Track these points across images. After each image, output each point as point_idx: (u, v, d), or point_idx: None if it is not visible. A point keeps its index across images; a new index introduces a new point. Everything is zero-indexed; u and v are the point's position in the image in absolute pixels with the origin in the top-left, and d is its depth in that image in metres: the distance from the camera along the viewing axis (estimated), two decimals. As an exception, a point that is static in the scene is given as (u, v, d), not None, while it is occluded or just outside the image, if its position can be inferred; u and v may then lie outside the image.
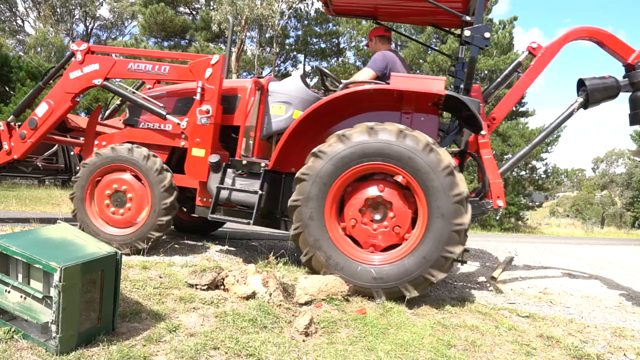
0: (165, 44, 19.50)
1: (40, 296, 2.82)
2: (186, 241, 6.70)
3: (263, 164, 5.27)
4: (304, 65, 21.58)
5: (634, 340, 4.24)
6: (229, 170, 5.44)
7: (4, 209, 10.75)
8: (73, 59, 6.06)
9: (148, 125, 5.93)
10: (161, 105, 5.74)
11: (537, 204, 35.51)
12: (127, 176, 5.46)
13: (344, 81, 5.45)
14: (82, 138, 7.01)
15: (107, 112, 8.54)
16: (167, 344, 3.05)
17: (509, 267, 7.94)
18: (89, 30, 42.73)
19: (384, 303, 4.34)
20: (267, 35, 17.85)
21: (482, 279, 6.62)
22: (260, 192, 5.15)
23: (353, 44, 21.67)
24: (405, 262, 4.40)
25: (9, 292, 2.95)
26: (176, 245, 6.27)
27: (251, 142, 5.56)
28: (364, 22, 19.99)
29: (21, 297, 2.91)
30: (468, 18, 5.08)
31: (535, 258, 9.43)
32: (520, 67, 6.20)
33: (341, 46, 21.96)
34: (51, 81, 6.68)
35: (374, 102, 4.97)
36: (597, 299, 6.03)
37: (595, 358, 3.71)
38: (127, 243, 5.38)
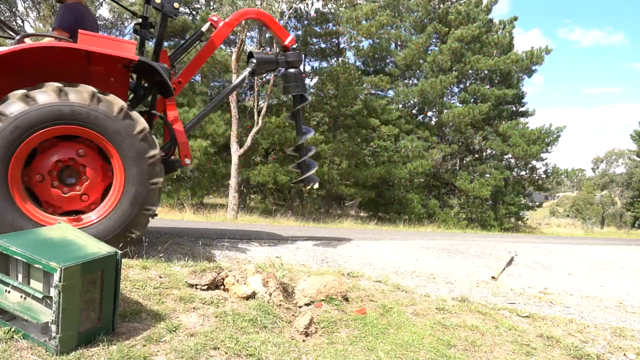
0: (166, 44, 19.50)
1: (40, 296, 2.82)
2: (186, 241, 6.70)
3: None
4: (304, 65, 21.58)
5: (634, 340, 4.24)
6: None
7: (4, 209, 10.72)
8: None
9: None
10: None
11: (537, 204, 35.50)
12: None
13: (22, 34, 4.80)
14: None
15: None
16: (167, 344, 3.05)
17: (509, 267, 7.94)
18: (89, 30, 42.74)
19: (384, 303, 4.34)
20: (267, 35, 17.83)
21: (482, 279, 6.62)
22: None
23: (353, 44, 21.66)
24: (105, 223, 4.51)
25: (9, 292, 2.95)
26: (176, 245, 6.27)
27: None
28: (364, 22, 19.98)
29: (21, 297, 2.91)
30: None
31: (535, 258, 9.42)
32: (202, 36, 6.43)
33: (341, 46, 21.96)
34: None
35: (59, 61, 4.58)
36: (597, 299, 6.03)
37: (595, 358, 3.71)
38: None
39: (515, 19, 26.12)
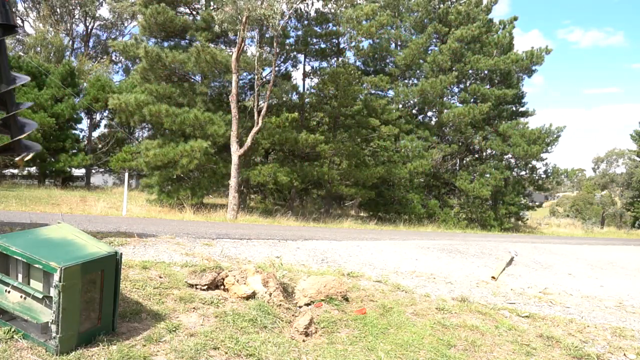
0: (166, 44, 19.49)
1: (40, 296, 2.81)
2: (186, 241, 6.70)
3: None
4: (304, 65, 21.58)
5: (634, 340, 4.24)
6: None
7: (4, 209, 10.74)
8: None
9: None
10: None
11: (537, 204, 35.48)
12: None
13: None
14: None
15: None
16: (167, 344, 3.05)
17: (509, 267, 7.93)
18: (89, 30, 42.73)
19: (384, 303, 4.34)
20: (267, 35, 17.84)
21: (482, 279, 6.62)
22: None
23: (353, 44, 21.64)
24: None
25: (9, 292, 2.94)
26: (176, 245, 6.27)
27: None
28: (364, 22, 19.96)
29: (21, 297, 2.91)
30: None
31: (535, 258, 9.42)
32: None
33: (341, 46, 21.93)
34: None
35: None
36: (597, 299, 6.03)
37: (595, 358, 3.71)
38: None
39: (515, 18, 26.12)
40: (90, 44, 42.89)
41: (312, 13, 20.89)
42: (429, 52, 25.28)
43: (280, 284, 4.19)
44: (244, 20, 14.43)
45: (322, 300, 4.16)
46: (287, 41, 20.36)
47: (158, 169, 17.57)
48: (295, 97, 21.33)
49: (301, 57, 21.55)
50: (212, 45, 17.81)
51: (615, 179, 50.23)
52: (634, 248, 15.01)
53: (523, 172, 26.51)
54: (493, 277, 6.65)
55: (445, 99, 25.27)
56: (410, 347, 3.46)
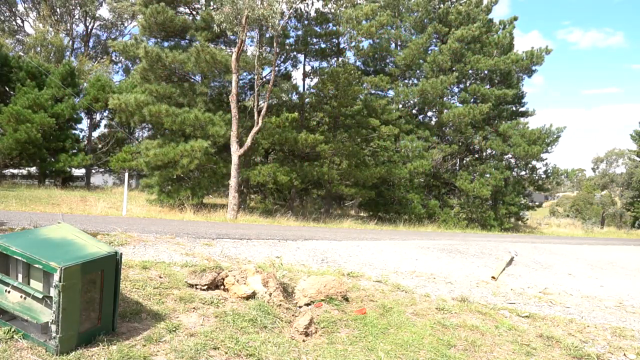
0: (166, 44, 19.48)
1: (40, 296, 2.81)
2: (186, 241, 6.70)
3: None
4: (304, 65, 21.57)
5: (634, 340, 4.24)
6: None
7: (4, 209, 10.74)
8: None
9: None
10: None
11: (537, 204, 35.47)
12: None
13: None
14: None
15: None
16: (167, 344, 3.05)
17: (509, 267, 7.93)
18: (89, 30, 42.72)
19: (384, 303, 4.34)
20: (267, 35, 17.83)
21: (482, 279, 6.62)
22: None
23: (353, 44, 21.63)
24: None
25: (9, 292, 2.94)
26: (176, 245, 6.27)
27: None
28: (364, 22, 19.94)
29: (21, 297, 2.91)
30: None
31: (535, 258, 9.42)
32: None
33: (341, 46, 21.92)
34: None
35: None
36: (597, 299, 6.03)
37: (595, 358, 3.71)
38: None
39: (515, 19, 26.12)
40: (90, 44, 42.90)
41: (312, 13, 20.89)
42: (429, 52, 25.28)
43: (280, 284, 4.19)
44: (243, 20, 14.42)
45: (322, 300, 4.16)
46: (287, 41, 20.36)
47: (158, 169, 17.56)
48: (295, 97, 21.33)
49: (301, 57, 21.55)
50: (212, 45, 17.80)
51: (615, 179, 50.22)
52: (634, 248, 15.01)
53: (523, 172, 26.52)
54: (493, 277, 6.65)
55: (445, 99, 25.27)
56: (410, 347, 3.46)
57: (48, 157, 25.55)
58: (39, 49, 35.00)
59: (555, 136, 24.73)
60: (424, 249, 8.93)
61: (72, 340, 2.79)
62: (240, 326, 3.43)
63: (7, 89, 26.43)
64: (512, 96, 24.86)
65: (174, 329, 3.25)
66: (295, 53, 21.21)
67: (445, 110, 24.86)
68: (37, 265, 2.77)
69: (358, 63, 24.79)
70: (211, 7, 17.88)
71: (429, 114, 27.38)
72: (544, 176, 26.63)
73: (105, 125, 33.20)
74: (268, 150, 22.56)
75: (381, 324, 3.83)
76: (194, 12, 19.85)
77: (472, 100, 25.04)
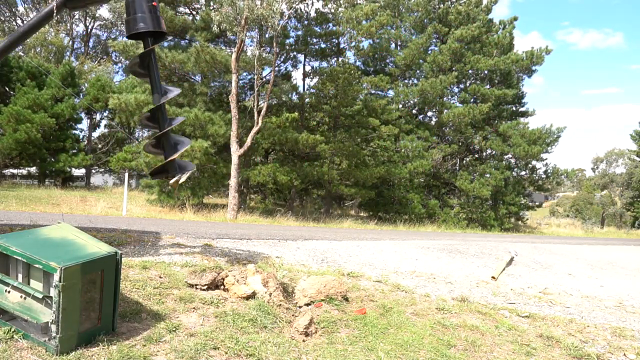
0: (165, 44, 19.49)
1: (40, 296, 2.81)
2: (186, 241, 6.70)
3: None
4: (304, 65, 21.57)
5: (634, 340, 4.24)
6: None
7: (4, 209, 10.75)
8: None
9: None
10: None
11: (537, 204, 35.47)
12: None
13: None
14: None
15: None
16: (167, 344, 3.05)
17: (509, 267, 7.93)
18: (89, 30, 42.73)
19: (384, 303, 4.34)
20: (267, 36, 17.83)
21: (482, 279, 6.62)
22: None
23: (353, 44, 21.64)
24: None
25: (9, 292, 2.94)
26: (176, 245, 6.27)
27: None
28: (364, 22, 19.95)
29: (21, 297, 2.91)
30: None
31: (535, 258, 9.42)
32: None
33: (341, 46, 21.93)
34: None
35: None
36: (597, 299, 6.03)
37: (595, 358, 3.71)
38: None
39: (515, 19, 26.11)
40: (90, 44, 42.89)
41: (312, 13, 20.89)
42: (429, 52, 25.28)
43: (280, 284, 4.19)
44: (243, 21, 14.42)
45: (322, 300, 4.16)
46: (287, 41, 20.36)
47: (158, 169, 17.54)
48: (295, 97, 21.33)
49: (301, 57, 21.56)
50: (212, 45, 17.81)
51: (615, 179, 50.20)
52: (634, 248, 15.01)
53: (523, 172, 26.53)
54: (493, 277, 6.65)
55: (445, 99, 25.27)
56: (410, 347, 3.46)
57: (48, 157, 25.57)
58: (39, 49, 34.99)
59: (555, 136, 24.73)
60: (424, 249, 8.93)
61: (72, 340, 2.79)
62: (240, 326, 3.43)
63: (7, 89, 26.44)
64: (512, 96, 24.86)
65: (174, 329, 3.25)
66: (295, 53, 21.22)
67: (445, 110, 24.87)
68: (37, 265, 2.77)
69: (358, 63, 24.81)
70: (211, 8, 17.89)
71: (429, 114, 27.39)
72: (544, 176, 26.63)
73: (105, 125, 33.23)
74: (268, 150, 22.57)
75: (381, 324, 3.83)
76: (193, 12, 19.86)
77: (472, 100, 25.04)
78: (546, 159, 27.25)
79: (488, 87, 25.18)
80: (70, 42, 41.05)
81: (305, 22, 20.99)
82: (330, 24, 21.11)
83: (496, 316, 4.48)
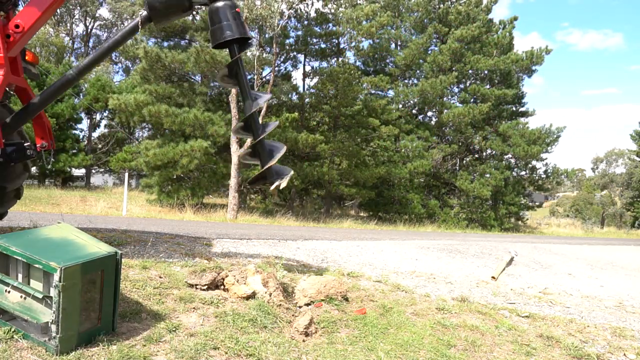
0: (165, 44, 19.49)
1: (40, 296, 2.81)
2: (186, 241, 6.70)
3: None
4: (304, 65, 21.58)
5: (634, 340, 4.24)
6: None
7: (4, 209, 10.71)
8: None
9: None
10: None
11: (537, 204, 35.50)
12: None
13: None
14: None
15: None
16: (167, 344, 3.05)
17: (509, 267, 7.93)
18: (89, 30, 42.76)
19: (384, 303, 4.34)
20: (267, 36, 17.82)
21: (482, 279, 6.62)
22: None
23: (353, 44, 21.65)
24: None
25: (9, 292, 2.94)
26: (176, 245, 6.27)
27: None
28: (364, 22, 19.97)
29: (21, 297, 2.91)
30: None
31: (535, 258, 9.42)
32: None
33: (341, 46, 21.93)
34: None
35: None
36: (597, 299, 6.03)
37: (595, 358, 3.71)
38: None
39: (515, 18, 26.13)
40: (90, 44, 42.88)
41: (312, 13, 20.90)
42: (429, 52, 25.29)
43: (280, 284, 4.19)
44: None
45: (322, 300, 4.16)
46: (287, 41, 20.37)
47: (158, 169, 17.57)
48: (295, 97, 21.34)
49: (301, 57, 21.57)
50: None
51: (615, 179, 50.22)
52: (633, 248, 15.02)
53: (523, 172, 26.54)
54: (493, 277, 6.65)
55: (445, 99, 25.28)
56: (410, 347, 3.46)
57: (48, 157, 25.54)
58: (39, 49, 34.99)
59: (555, 136, 24.75)
60: (424, 249, 8.93)
61: (72, 340, 2.79)
62: (240, 326, 3.43)
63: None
64: (512, 96, 24.87)
65: (174, 329, 3.25)
66: (295, 53, 21.23)
67: (445, 110, 24.88)
68: (37, 265, 2.77)
69: (358, 63, 24.83)
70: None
71: (429, 114, 27.41)
72: (544, 176, 26.64)
73: (105, 125, 33.25)
74: (268, 151, 22.53)
75: (381, 324, 3.84)
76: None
77: (472, 100, 25.05)
78: (546, 159, 27.29)
79: (488, 87, 25.19)
80: (71, 42, 41.06)
81: (305, 22, 21.00)
82: (330, 24, 21.12)
83: (496, 316, 4.48)
